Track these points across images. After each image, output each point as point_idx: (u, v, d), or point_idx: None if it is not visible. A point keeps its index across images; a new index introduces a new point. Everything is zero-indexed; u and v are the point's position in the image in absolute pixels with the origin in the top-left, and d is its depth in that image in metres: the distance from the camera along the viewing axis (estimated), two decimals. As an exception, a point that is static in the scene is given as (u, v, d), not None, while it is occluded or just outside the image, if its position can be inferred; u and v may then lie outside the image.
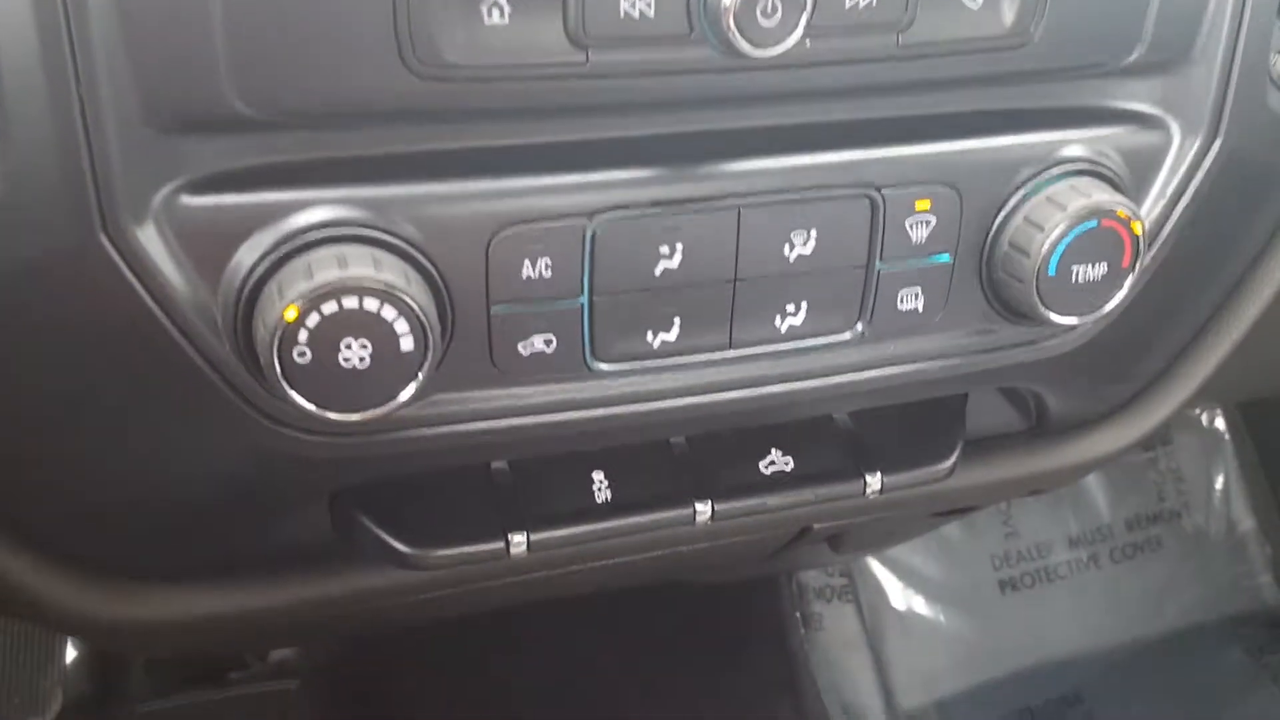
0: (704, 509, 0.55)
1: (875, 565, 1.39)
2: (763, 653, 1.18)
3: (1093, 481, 1.52)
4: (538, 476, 0.55)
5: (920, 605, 1.41)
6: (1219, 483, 1.55)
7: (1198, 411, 1.53)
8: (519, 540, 0.53)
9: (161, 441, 0.46)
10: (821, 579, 1.37)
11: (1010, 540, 1.47)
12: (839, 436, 0.58)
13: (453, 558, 0.52)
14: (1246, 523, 1.54)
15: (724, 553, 0.64)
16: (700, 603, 1.17)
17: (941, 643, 1.40)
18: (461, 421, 0.47)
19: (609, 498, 0.55)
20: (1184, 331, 0.62)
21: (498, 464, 0.55)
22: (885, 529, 0.76)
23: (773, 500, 0.56)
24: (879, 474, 0.57)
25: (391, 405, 0.43)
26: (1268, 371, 0.72)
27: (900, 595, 1.41)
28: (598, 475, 0.56)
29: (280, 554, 0.53)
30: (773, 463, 0.57)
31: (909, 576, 1.41)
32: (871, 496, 0.58)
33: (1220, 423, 1.55)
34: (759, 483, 0.56)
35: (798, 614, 1.32)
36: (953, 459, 0.59)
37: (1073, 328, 0.53)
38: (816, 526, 0.64)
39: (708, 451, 0.57)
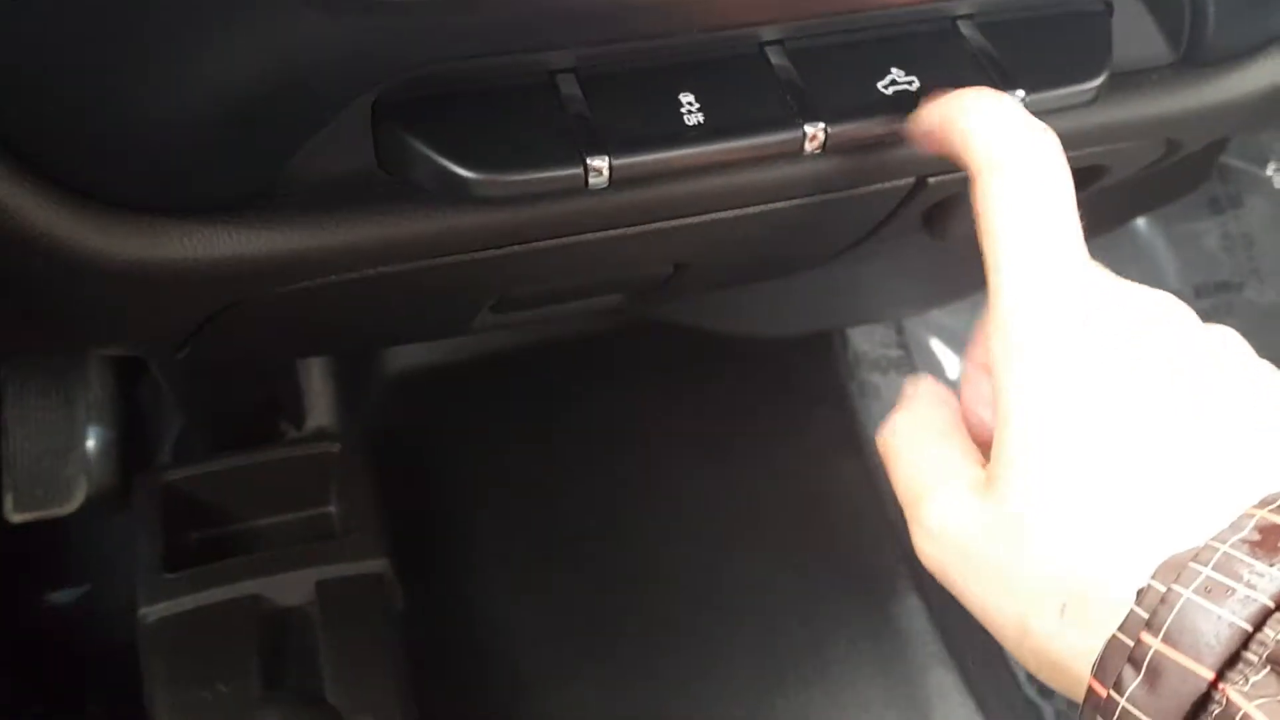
0: (814, 131, 0.46)
1: (931, 338, 1.34)
2: (823, 414, 1.12)
3: (1159, 245, 1.46)
4: (614, 97, 0.45)
5: (979, 377, 1.36)
6: (1291, 248, 1.47)
7: (1269, 171, 1.45)
8: (599, 165, 0.44)
9: (173, 21, 0.37)
10: (877, 349, 1.32)
11: (1073, 307, 1.41)
12: (970, 52, 0.49)
13: (521, 185, 0.44)
14: (1319, 288, 1.47)
15: (824, 216, 0.55)
16: (757, 361, 1.11)
17: (1000, 414, 1.35)
18: None
19: (701, 120, 0.46)
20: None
21: (567, 86, 0.45)
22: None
23: (896, 123, 0.47)
24: (1020, 91, 0.48)
25: None
26: None
27: (957, 367, 1.35)
28: (686, 97, 0.46)
29: (316, 186, 0.44)
30: (894, 81, 0.48)
31: (965, 347, 1.36)
32: (1009, 121, 0.48)
33: (1293, 182, 1.46)
34: (879, 102, 0.47)
35: (855, 383, 1.26)
36: (1100, 78, 0.50)
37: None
38: (932, 181, 0.55)
39: (815, 69, 0.48)
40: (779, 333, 1.12)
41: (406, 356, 1.06)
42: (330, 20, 0.38)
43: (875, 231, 0.59)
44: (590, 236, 0.50)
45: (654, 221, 0.50)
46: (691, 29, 0.45)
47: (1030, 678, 1.06)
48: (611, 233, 0.50)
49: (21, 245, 0.41)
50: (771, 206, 0.52)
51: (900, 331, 1.33)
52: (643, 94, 0.46)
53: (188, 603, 0.84)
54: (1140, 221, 1.42)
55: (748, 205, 0.51)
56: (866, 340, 1.30)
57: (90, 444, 1.07)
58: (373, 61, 0.40)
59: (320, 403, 1.02)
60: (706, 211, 0.51)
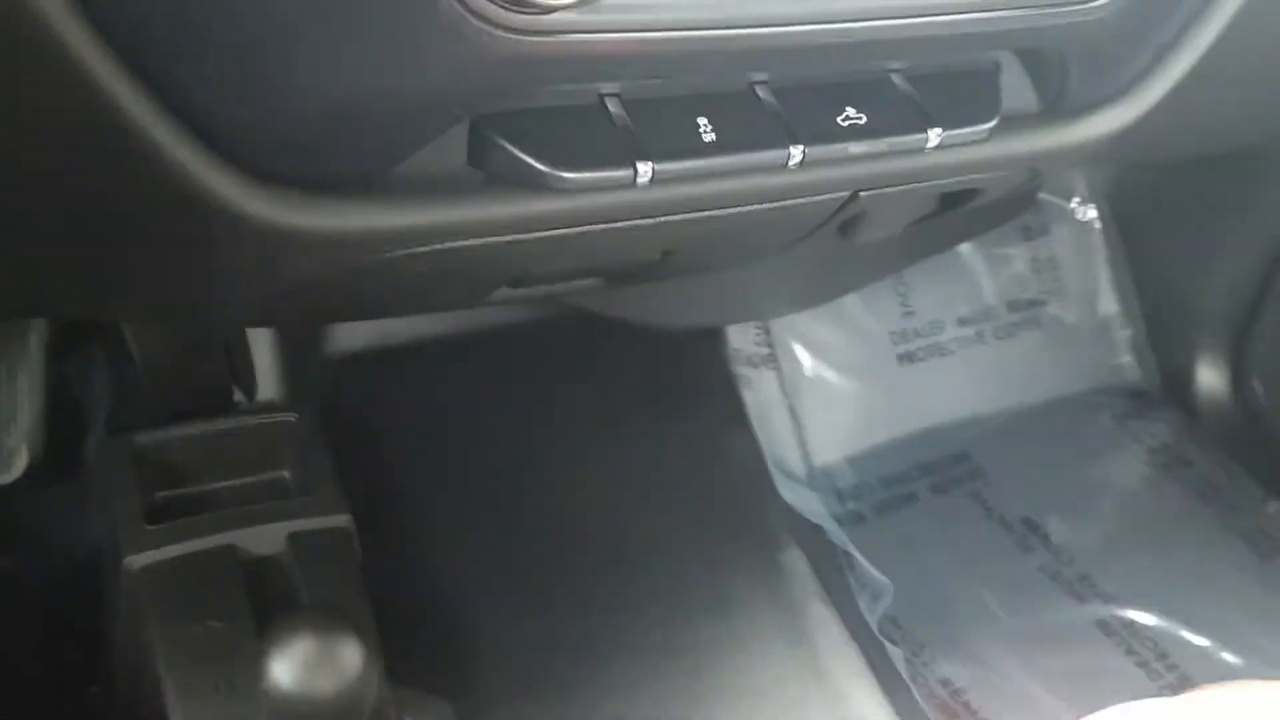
0: (796, 152, 0.62)
1: (792, 340, 1.51)
2: (712, 395, 1.28)
3: (978, 266, 1.66)
4: (650, 117, 0.60)
5: (830, 374, 1.53)
6: (1089, 272, 1.69)
7: (1072, 204, 1.68)
8: (645, 169, 0.58)
9: (344, 35, 0.50)
10: (749, 347, 1.48)
11: (907, 319, 1.60)
12: (902, 98, 0.66)
13: (586, 181, 0.58)
14: (1110, 308, 1.70)
15: (781, 218, 0.71)
16: (656, 349, 1.26)
17: (849, 408, 1.53)
18: (636, 30, 0.52)
19: (715, 139, 0.61)
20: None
21: (614, 107, 0.60)
22: (891, 224, 0.84)
23: (853, 147, 0.63)
24: (939, 129, 0.65)
25: None
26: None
27: (812, 365, 1.53)
28: (701, 119, 0.61)
29: (418, 177, 0.57)
30: (849, 117, 0.64)
31: (819, 349, 1.53)
32: (929, 151, 0.65)
33: (1092, 213, 1.69)
34: (839, 131, 0.64)
35: (733, 372, 1.42)
36: (994, 121, 0.68)
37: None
38: (863, 195, 0.71)
39: (792, 104, 0.64)
40: (670, 324, 1.28)
41: (346, 338, 1.17)
42: (475, 42, 0.51)
43: (813, 232, 0.75)
44: (615, 226, 0.65)
45: (668, 215, 0.65)
46: (709, 71, 0.60)
47: (878, 618, 1.23)
48: (636, 222, 0.65)
49: (203, 211, 0.53)
50: (752, 207, 0.68)
51: (767, 333, 1.50)
52: (670, 116, 0.61)
53: (172, 551, 0.92)
54: (963, 245, 1.62)
55: (736, 206, 0.67)
56: (740, 338, 1.47)
57: (30, 415, 1.12)
58: (490, 87, 0.54)
59: (267, 376, 1.11)
60: (707, 208, 0.66)
